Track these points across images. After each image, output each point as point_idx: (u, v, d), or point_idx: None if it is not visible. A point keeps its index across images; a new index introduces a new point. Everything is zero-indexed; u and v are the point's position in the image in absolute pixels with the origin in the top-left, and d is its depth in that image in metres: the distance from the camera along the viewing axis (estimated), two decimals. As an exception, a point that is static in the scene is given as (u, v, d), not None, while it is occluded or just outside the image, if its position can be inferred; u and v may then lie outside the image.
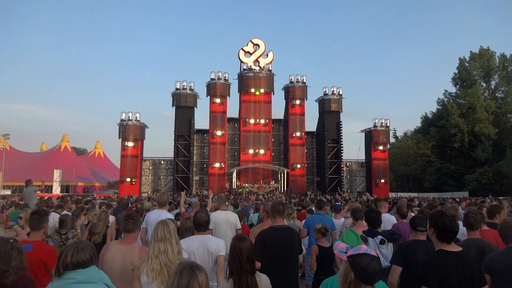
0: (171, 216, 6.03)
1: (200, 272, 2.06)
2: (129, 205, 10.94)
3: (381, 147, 39.06)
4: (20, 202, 12.47)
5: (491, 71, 51.25)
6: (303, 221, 7.77)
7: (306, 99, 38.35)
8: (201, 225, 4.33)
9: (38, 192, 12.32)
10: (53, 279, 2.51)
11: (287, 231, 4.39)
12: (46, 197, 15.80)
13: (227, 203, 8.18)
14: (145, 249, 3.66)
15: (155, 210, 6.28)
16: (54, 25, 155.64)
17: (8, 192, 38.54)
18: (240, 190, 32.69)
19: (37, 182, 16.91)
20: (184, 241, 4.04)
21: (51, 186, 44.30)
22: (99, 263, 3.14)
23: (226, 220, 6.32)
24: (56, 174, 45.15)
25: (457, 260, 2.81)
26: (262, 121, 37.00)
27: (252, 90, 36.72)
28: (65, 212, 7.73)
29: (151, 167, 38.68)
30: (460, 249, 2.93)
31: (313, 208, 8.69)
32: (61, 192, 41.97)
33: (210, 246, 4.02)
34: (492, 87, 52.73)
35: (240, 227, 6.48)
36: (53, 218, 7.21)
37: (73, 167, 49.38)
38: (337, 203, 8.96)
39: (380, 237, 4.84)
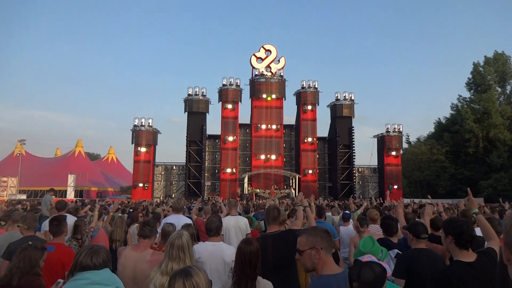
0: (189, 221, 6.03)
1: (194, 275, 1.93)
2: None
3: (393, 153, 38.83)
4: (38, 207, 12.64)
5: (506, 76, 50.38)
6: None
7: (318, 105, 38.41)
8: (211, 230, 4.24)
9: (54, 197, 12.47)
10: (68, 280, 2.54)
11: (279, 238, 3.93)
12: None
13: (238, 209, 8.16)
14: (156, 255, 3.68)
15: (172, 215, 6.26)
16: (69, 31, 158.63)
17: (24, 196, 39.13)
18: (250, 191, 32.73)
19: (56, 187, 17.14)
20: (196, 247, 3.93)
21: (65, 191, 44.91)
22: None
23: (235, 225, 6.28)
24: (70, 179, 45.74)
25: (474, 272, 2.74)
26: (274, 126, 37.05)
27: (264, 95, 36.87)
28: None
29: (163, 173, 39.04)
30: (475, 256, 2.86)
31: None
32: (75, 196, 42.48)
33: (226, 256, 3.87)
34: (508, 92, 51.77)
35: (249, 232, 6.45)
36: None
37: (87, 172, 49.93)
38: (346, 211, 8.71)
39: (396, 251, 4.27)
